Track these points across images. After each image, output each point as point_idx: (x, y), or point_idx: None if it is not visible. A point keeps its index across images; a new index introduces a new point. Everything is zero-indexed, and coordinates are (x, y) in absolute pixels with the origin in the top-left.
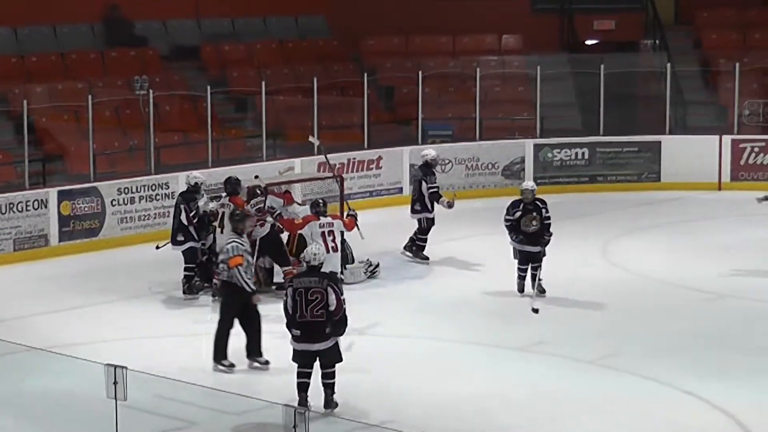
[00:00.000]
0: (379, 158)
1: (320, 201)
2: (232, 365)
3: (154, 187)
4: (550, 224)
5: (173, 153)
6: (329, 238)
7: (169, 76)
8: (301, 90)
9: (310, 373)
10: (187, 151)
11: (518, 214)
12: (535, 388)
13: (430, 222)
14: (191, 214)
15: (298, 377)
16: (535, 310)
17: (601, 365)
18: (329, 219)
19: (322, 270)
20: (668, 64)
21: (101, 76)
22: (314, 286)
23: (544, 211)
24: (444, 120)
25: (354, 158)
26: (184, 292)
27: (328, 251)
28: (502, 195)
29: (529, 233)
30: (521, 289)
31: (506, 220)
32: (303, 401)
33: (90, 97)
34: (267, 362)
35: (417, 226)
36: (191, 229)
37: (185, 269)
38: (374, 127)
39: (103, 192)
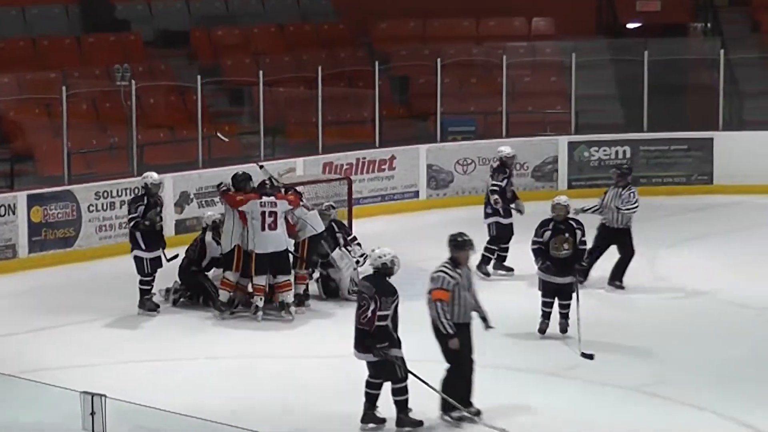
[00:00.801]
0: (392, 158)
1: (266, 183)
2: (478, 412)
3: (137, 191)
4: (585, 250)
5: (159, 152)
6: (269, 219)
7: (154, 64)
8: (303, 80)
9: (373, 384)
10: (175, 149)
11: (547, 234)
12: (571, 418)
13: (504, 229)
14: (130, 221)
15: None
16: (589, 356)
17: (648, 393)
18: (272, 199)
19: (266, 251)
20: (721, 51)
21: (77, 64)
22: (364, 291)
23: (579, 233)
24: (466, 114)
25: (364, 158)
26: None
27: (263, 229)
28: (533, 199)
29: (559, 259)
30: (543, 330)
31: (533, 243)
32: (366, 413)
33: (64, 88)
34: (478, 412)
35: (487, 233)
36: (137, 235)
37: (139, 281)
38: (387, 122)
39: (79, 196)
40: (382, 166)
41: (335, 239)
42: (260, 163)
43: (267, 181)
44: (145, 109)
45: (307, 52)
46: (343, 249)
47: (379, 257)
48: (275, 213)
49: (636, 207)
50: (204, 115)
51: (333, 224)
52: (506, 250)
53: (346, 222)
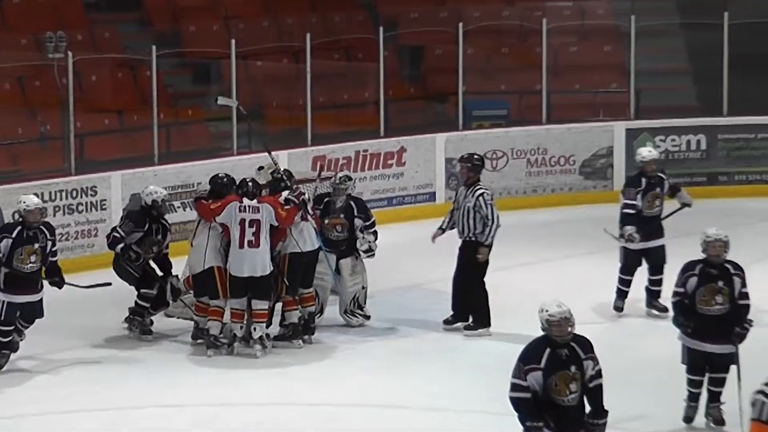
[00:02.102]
0: (402, 150)
1: (249, 180)
2: None
3: (75, 194)
4: (747, 306)
5: (103, 143)
6: (249, 230)
7: (98, 32)
8: (287, 52)
9: None
10: (124, 140)
11: (693, 281)
12: None
13: (628, 256)
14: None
15: None
16: None
17: None
18: (255, 203)
19: (240, 274)
20: None
21: None
22: None
23: (738, 281)
24: (495, 95)
25: (365, 151)
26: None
27: (242, 246)
28: (580, 203)
29: (711, 317)
30: (689, 419)
31: (674, 294)
32: None
33: None
34: None
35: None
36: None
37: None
38: (394, 105)
39: (1, 200)
40: (389, 161)
41: (352, 225)
42: (271, 157)
43: (277, 174)
44: (86, 90)
45: (291, 16)
46: (359, 257)
47: None
48: (258, 222)
49: (494, 220)
50: (161, 96)
51: (351, 203)
52: (628, 283)
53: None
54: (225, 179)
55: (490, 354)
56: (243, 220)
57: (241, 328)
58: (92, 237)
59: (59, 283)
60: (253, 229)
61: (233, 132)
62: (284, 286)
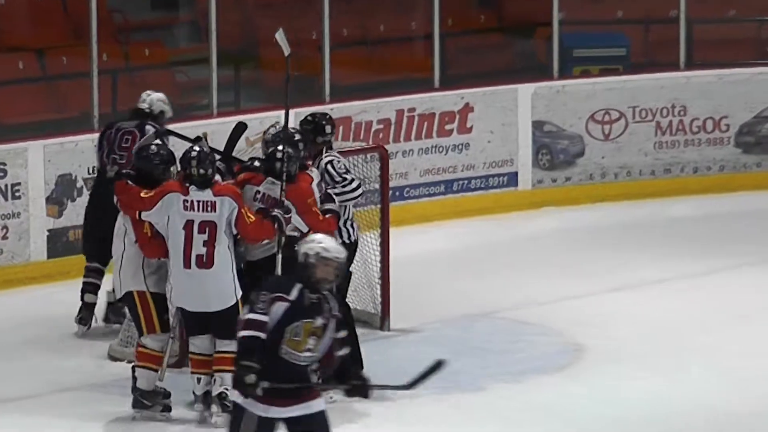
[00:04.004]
0: (467, 109)
1: (198, 153)
2: None
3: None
4: None
5: (16, 99)
6: (199, 237)
7: None
8: None
9: None
10: (48, 94)
11: None
12: None
13: None
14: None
15: None
16: None
17: None
18: (209, 194)
19: (188, 306)
20: None
21: None
22: None
23: None
24: (608, 25)
25: (411, 110)
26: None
27: (187, 264)
28: (736, 188)
29: None
30: None
31: None
32: None
33: None
34: None
35: None
36: None
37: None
38: (455, 41)
39: None
40: (447, 126)
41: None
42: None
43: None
44: None
45: None
46: None
47: None
48: (212, 227)
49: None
50: (103, 27)
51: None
52: None
53: (378, 233)
54: (159, 152)
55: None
56: (190, 224)
57: (199, 381)
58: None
59: None
60: (205, 237)
61: (212, 81)
62: None
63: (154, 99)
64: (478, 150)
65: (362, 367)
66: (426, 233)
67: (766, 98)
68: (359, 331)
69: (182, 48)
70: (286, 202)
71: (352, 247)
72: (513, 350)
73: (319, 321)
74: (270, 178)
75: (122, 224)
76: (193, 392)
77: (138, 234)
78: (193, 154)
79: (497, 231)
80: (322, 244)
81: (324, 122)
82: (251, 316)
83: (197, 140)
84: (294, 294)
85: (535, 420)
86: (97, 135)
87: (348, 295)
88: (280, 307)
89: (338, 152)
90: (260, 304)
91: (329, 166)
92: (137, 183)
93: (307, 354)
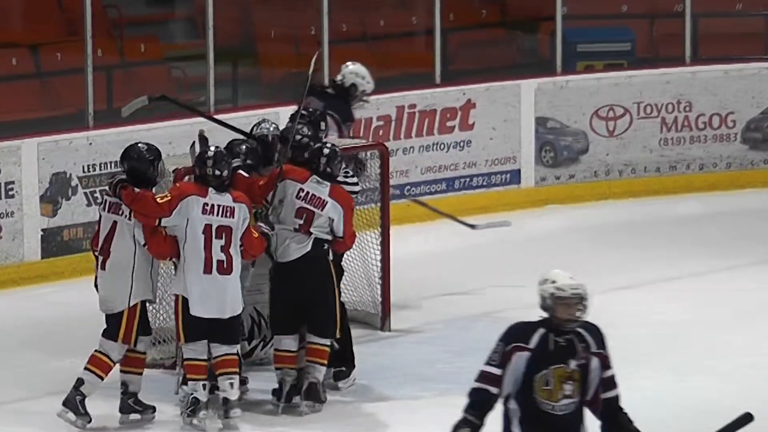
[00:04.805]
0: (469, 105)
1: (219, 153)
2: None
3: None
4: None
5: (10, 95)
6: (217, 243)
7: None
8: None
9: None
10: (41, 91)
11: None
12: None
13: None
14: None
15: None
16: None
17: None
18: (228, 199)
19: (205, 314)
20: None
21: None
22: None
23: None
24: (613, 20)
25: (412, 106)
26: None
27: (208, 269)
28: (743, 185)
29: None
30: None
31: None
32: None
33: None
34: None
35: None
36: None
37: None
38: (457, 36)
39: None
40: (449, 122)
41: None
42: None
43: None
44: None
45: None
46: None
47: None
48: (229, 232)
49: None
50: (98, 23)
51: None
52: None
53: (378, 232)
54: (149, 149)
55: None
56: (208, 228)
57: (205, 387)
58: None
59: None
60: (222, 242)
61: (209, 77)
62: None
63: (346, 72)
64: (480, 147)
65: (354, 367)
66: (427, 232)
67: None
68: (360, 331)
69: (179, 44)
70: (331, 203)
71: None
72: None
73: (572, 364)
74: (316, 177)
75: (123, 236)
76: (194, 397)
77: (150, 234)
78: (210, 154)
79: (500, 229)
80: (556, 283)
81: (319, 118)
82: (485, 367)
83: (190, 109)
84: (535, 341)
85: None
86: (92, 132)
87: (346, 294)
88: (520, 358)
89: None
90: (494, 355)
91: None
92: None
93: (565, 402)
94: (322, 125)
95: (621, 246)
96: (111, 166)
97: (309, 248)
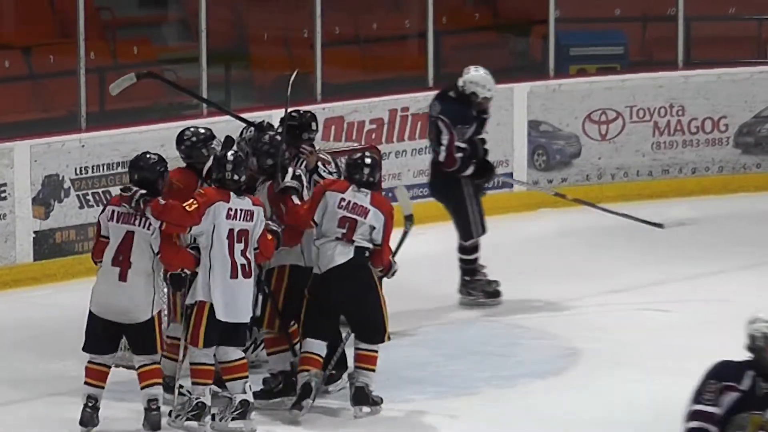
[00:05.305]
0: None
1: (238, 155)
2: None
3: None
4: None
5: (6, 97)
6: (238, 247)
7: None
8: None
9: None
10: (33, 93)
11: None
12: None
13: None
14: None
15: None
16: None
17: None
18: (248, 202)
19: (228, 318)
20: None
21: None
22: None
23: None
24: (606, 23)
25: (405, 109)
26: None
27: (234, 274)
28: (736, 190)
29: None
30: None
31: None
32: None
33: None
34: None
35: None
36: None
37: None
38: (450, 39)
39: None
40: None
41: None
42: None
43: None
44: None
45: None
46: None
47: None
48: (247, 235)
49: None
50: (91, 25)
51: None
52: None
53: None
54: (159, 159)
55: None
56: (231, 232)
57: (210, 392)
58: None
59: None
60: (242, 246)
61: (202, 80)
62: (277, 316)
63: (466, 79)
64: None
65: (346, 370)
66: (420, 235)
67: (766, 98)
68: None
69: (171, 46)
70: (373, 210)
71: None
72: (508, 354)
73: None
74: (354, 186)
75: (143, 246)
76: (200, 403)
77: (167, 244)
78: (230, 158)
79: (492, 233)
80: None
81: (310, 119)
82: (699, 407)
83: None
84: (746, 383)
85: (531, 425)
86: (84, 135)
87: None
88: (731, 398)
89: (329, 152)
90: (708, 394)
91: (321, 170)
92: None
93: None
94: (313, 125)
95: (613, 249)
96: (103, 169)
97: (352, 255)
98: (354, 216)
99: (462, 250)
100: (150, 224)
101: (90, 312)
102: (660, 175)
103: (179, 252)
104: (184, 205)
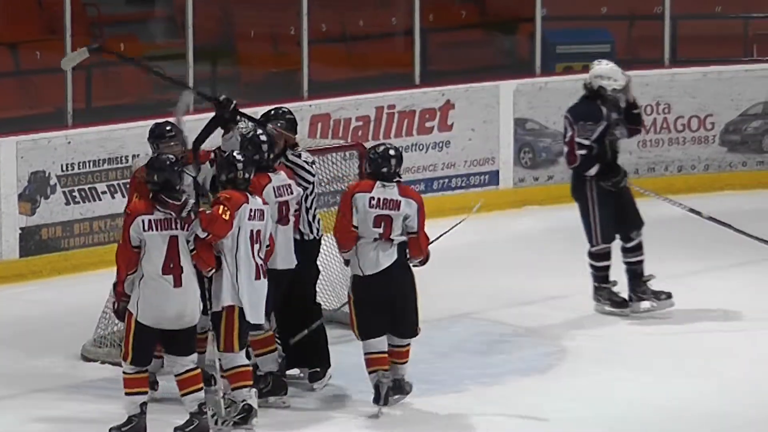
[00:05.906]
0: (448, 106)
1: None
2: None
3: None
4: None
5: None
6: (255, 246)
7: None
8: None
9: None
10: (20, 90)
11: None
12: None
13: None
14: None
15: None
16: None
17: None
18: (260, 203)
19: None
20: None
21: None
22: None
23: None
24: (592, 21)
25: (391, 107)
26: None
27: (258, 276)
28: (722, 187)
29: None
30: None
31: None
32: None
33: None
34: None
35: None
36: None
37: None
38: (437, 37)
39: None
40: (428, 123)
41: None
42: None
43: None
44: None
45: None
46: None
47: None
48: (259, 234)
49: None
50: (77, 22)
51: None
52: None
53: None
54: (176, 160)
55: None
56: (252, 233)
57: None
58: None
59: None
60: (258, 246)
61: (188, 76)
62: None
63: (591, 75)
64: (459, 148)
65: (329, 366)
66: None
67: (752, 96)
68: (341, 332)
69: (158, 43)
70: (404, 200)
71: (316, 244)
72: (495, 351)
73: None
74: (380, 182)
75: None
76: (248, 406)
77: (201, 246)
78: (240, 157)
79: (478, 231)
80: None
81: (293, 117)
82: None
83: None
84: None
85: (517, 423)
86: (71, 131)
87: (326, 296)
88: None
89: (315, 150)
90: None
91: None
92: (158, 195)
93: None
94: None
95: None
96: (90, 165)
97: (396, 256)
98: (387, 212)
99: (589, 254)
100: (185, 225)
101: (139, 325)
102: (646, 174)
103: (210, 253)
104: (219, 212)
